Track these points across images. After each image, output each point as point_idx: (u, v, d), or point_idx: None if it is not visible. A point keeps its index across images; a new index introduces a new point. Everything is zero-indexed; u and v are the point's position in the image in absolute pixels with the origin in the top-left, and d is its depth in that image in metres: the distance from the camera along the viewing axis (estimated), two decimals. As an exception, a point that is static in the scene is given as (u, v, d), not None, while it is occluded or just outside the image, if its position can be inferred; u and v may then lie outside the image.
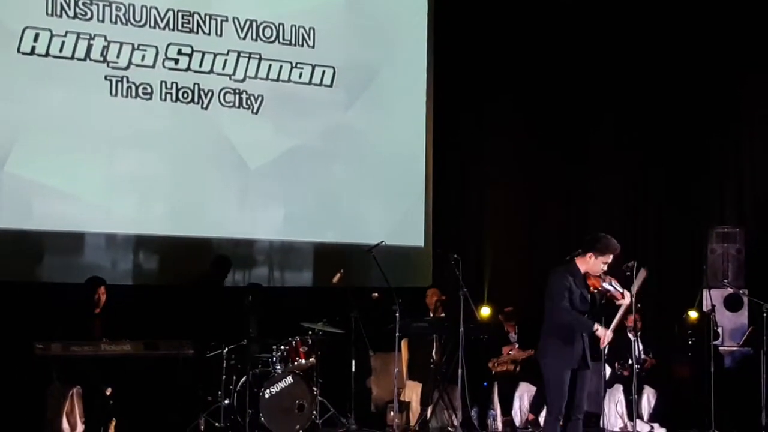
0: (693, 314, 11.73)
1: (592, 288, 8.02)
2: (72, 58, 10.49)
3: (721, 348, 11.58)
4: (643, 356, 11.04)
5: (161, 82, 10.92)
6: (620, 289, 8.10)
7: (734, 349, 11.75)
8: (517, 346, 11.29)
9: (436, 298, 11.27)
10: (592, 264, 8.03)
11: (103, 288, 9.63)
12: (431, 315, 11.19)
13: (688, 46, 13.01)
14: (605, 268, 8.05)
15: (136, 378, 9.28)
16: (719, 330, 11.51)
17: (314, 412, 10.09)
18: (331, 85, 11.86)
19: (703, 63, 12.98)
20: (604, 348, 10.25)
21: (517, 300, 11.78)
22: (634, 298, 8.29)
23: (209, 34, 11.19)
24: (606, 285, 8.03)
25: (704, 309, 11.51)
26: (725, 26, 12.80)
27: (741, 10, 12.61)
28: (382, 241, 10.61)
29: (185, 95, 11.05)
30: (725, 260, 12.24)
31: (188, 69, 11.07)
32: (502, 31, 12.94)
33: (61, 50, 10.43)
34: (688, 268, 12.81)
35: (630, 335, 10.68)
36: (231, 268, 10.98)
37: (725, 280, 12.04)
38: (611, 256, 8.04)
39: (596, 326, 7.99)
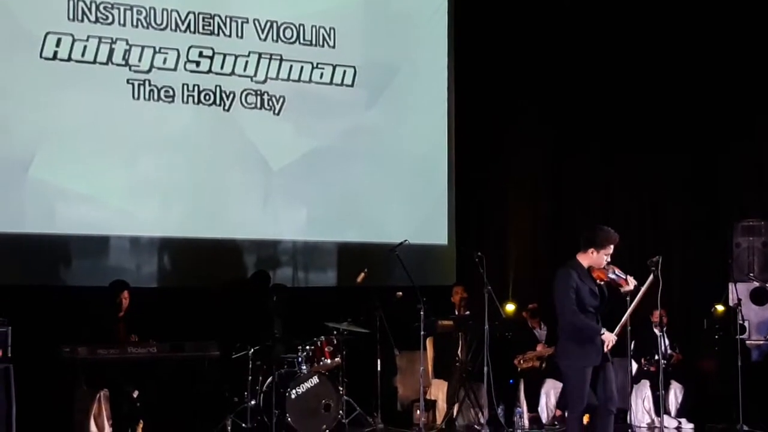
0: (720, 308, 11.66)
1: (598, 281, 7.99)
2: (94, 62, 10.54)
3: (747, 342, 11.51)
4: (669, 351, 11.01)
5: (183, 84, 10.96)
6: (623, 276, 8.05)
7: (761, 342, 11.69)
8: (544, 342, 11.28)
9: (461, 296, 11.27)
10: (595, 258, 7.99)
11: (127, 292, 9.66)
12: (456, 313, 11.19)
13: (710, 39, 12.93)
14: (608, 259, 8.02)
15: (163, 380, 9.32)
16: (746, 324, 11.45)
17: (340, 411, 10.11)
18: (352, 85, 11.87)
19: (727, 56, 12.90)
20: (631, 343, 10.28)
21: (541, 296, 11.75)
22: (658, 297, 8.24)
23: (230, 35, 11.22)
24: (611, 275, 8.00)
25: (730, 303, 11.45)
26: (749, 17, 12.71)
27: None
28: (406, 240, 10.60)
29: (207, 97, 11.08)
30: (751, 254, 12.16)
31: (210, 71, 11.10)
32: (522, 26, 12.91)
33: (83, 54, 10.49)
34: (713, 263, 12.73)
35: (656, 331, 10.66)
36: (269, 283, 11.00)
37: (751, 274, 11.97)
38: (612, 247, 8.00)
39: (602, 330, 7.90)
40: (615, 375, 8.09)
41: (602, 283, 7.96)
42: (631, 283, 8.01)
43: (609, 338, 7.85)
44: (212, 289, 10.75)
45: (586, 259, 7.99)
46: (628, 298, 8.05)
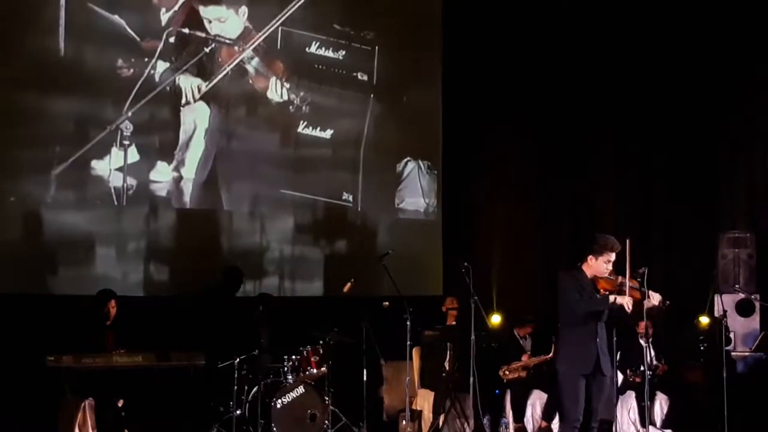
0: (704, 320, 11.69)
1: (602, 291, 7.92)
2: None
3: (733, 353, 11.54)
4: (655, 362, 11.01)
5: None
6: (643, 289, 7.98)
7: (747, 354, 11.71)
8: (529, 352, 11.28)
9: (449, 306, 11.28)
10: (595, 266, 7.93)
11: (114, 301, 9.64)
12: (446, 323, 11.20)
13: (697, 48, 12.97)
14: (610, 267, 7.96)
15: (148, 389, 9.29)
16: (731, 335, 11.47)
17: (326, 421, 10.09)
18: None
19: (713, 66, 12.94)
20: (616, 354, 10.28)
21: (527, 307, 11.79)
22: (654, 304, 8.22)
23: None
24: (623, 287, 7.91)
25: (716, 314, 11.47)
26: (736, 28, 12.75)
27: (751, 10, 12.56)
28: (393, 250, 10.61)
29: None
30: (737, 265, 12.19)
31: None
32: (511, 46, 12.97)
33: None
34: (699, 274, 12.75)
35: (642, 341, 10.66)
36: (242, 278, 10.96)
37: (737, 285, 11.99)
38: (613, 254, 7.92)
39: (612, 297, 7.81)
40: (607, 390, 8.07)
41: (606, 293, 7.89)
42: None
43: (624, 300, 7.77)
44: (194, 296, 10.71)
45: (588, 268, 7.95)
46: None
